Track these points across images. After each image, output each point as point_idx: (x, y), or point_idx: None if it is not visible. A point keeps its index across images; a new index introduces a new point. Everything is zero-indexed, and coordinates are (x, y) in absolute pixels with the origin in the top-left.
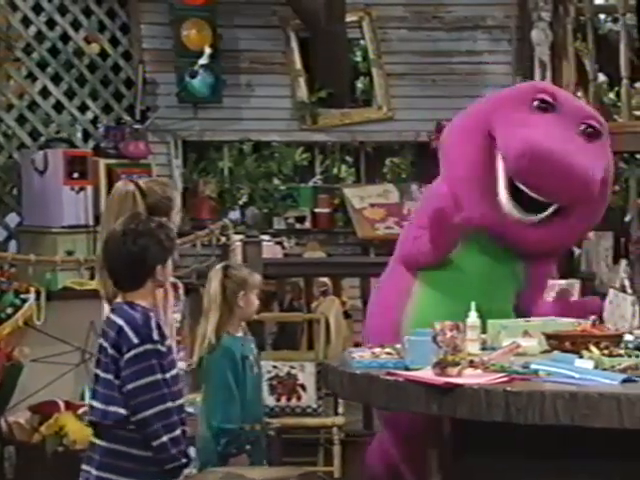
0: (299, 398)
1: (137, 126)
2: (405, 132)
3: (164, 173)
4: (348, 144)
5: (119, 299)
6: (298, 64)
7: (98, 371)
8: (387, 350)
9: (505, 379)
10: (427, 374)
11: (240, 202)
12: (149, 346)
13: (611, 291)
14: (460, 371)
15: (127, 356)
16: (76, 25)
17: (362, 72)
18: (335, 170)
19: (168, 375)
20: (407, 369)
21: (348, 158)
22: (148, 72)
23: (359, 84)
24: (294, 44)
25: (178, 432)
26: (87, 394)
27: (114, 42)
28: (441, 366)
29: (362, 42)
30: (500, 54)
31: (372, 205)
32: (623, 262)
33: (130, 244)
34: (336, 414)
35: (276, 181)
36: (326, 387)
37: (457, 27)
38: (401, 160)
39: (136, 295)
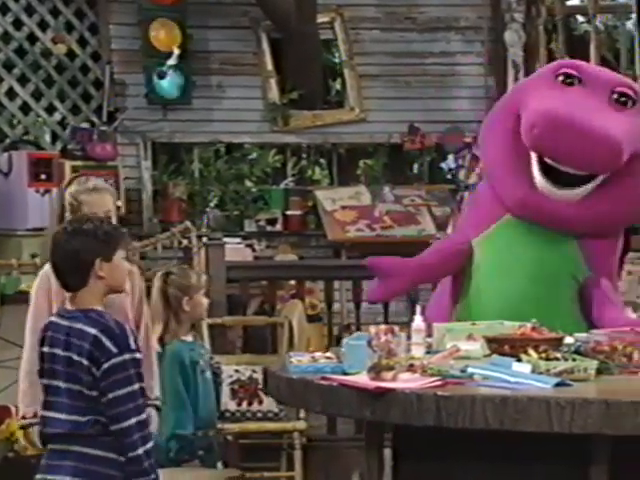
0: (260, 402)
1: (104, 128)
2: (378, 134)
3: (133, 175)
4: (321, 146)
5: (68, 305)
6: (269, 65)
7: (54, 382)
8: (327, 354)
9: (439, 383)
10: (362, 379)
11: (211, 204)
12: (127, 355)
13: None
14: (395, 375)
15: (106, 366)
16: (43, 25)
17: (340, 73)
18: (309, 172)
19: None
20: (345, 373)
21: (322, 160)
22: (117, 73)
23: (337, 85)
24: (265, 45)
25: (150, 445)
26: None
27: (82, 42)
28: (376, 370)
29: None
30: (473, 55)
31: (344, 207)
32: None
33: (66, 241)
34: (298, 419)
35: (248, 183)
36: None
37: (430, 28)
38: (375, 162)
39: (84, 297)
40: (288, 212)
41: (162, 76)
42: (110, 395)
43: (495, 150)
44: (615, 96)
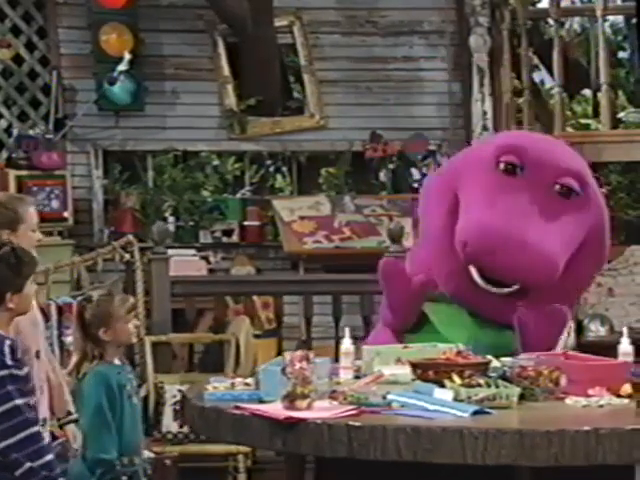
0: None
1: (49, 136)
2: (339, 141)
3: (84, 185)
4: (280, 154)
5: None
6: (226, 70)
7: None
8: (246, 381)
9: (353, 412)
10: (277, 407)
11: (166, 214)
12: (3, 372)
13: None
14: (310, 404)
15: None
16: None
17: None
18: (270, 181)
19: (32, 400)
20: (261, 401)
21: (285, 168)
22: (66, 78)
23: (296, 91)
24: (221, 49)
25: (49, 457)
26: None
27: (30, 47)
28: (289, 399)
29: None
30: (437, 60)
31: (302, 218)
32: None
33: None
34: None
35: (205, 193)
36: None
37: (392, 32)
38: (337, 170)
39: None
40: (245, 223)
41: (112, 82)
42: None
43: (431, 232)
44: (558, 188)
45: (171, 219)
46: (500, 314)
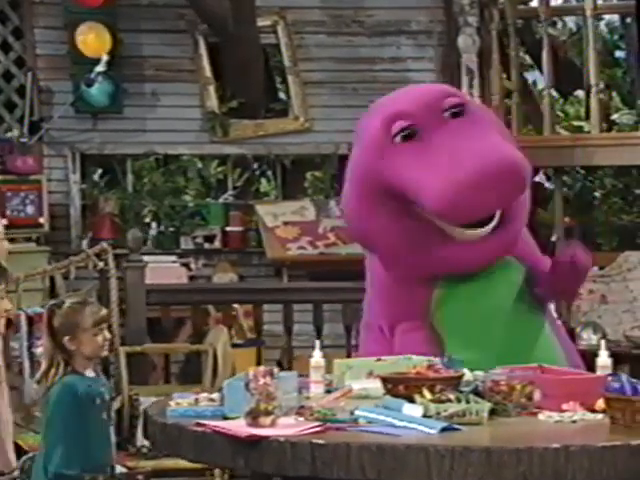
0: None
1: (24, 139)
2: (324, 144)
3: (61, 189)
4: (264, 157)
5: None
6: (208, 71)
7: None
8: (211, 396)
9: (318, 429)
10: (240, 424)
11: (146, 220)
12: None
13: None
14: (274, 420)
15: None
16: None
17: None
18: (255, 185)
19: None
20: (225, 418)
21: (270, 173)
22: (42, 80)
23: (281, 92)
24: (203, 50)
25: None
26: None
27: (5, 48)
28: (252, 416)
29: None
30: (425, 61)
31: (286, 223)
32: None
33: None
34: None
35: (187, 197)
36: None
37: (379, 32)
38: (323, 174)
39: None
40: (228, 228)
41: (90, 84)
42: None
43: (377, 230)
44: (448, 113)
45: (153, 225)
46: (479, 261)
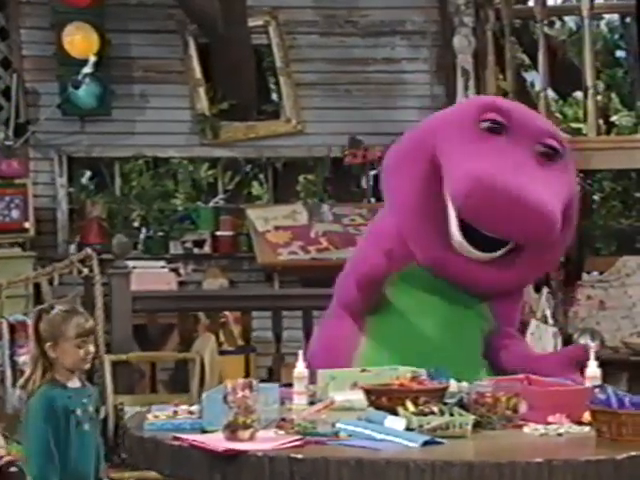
0: None
1: (9, 142)
2: (317, 147)
3: (47, 193)
4: (256, 160)
5: None
6: (198, 73)
7: None
8: (190, 408)
9: (297, 443)
10: (218, 438)
11: (134, 224)
12: None
13: (532, 322)
14: (252, 434)
15: None
16: None
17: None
18: (246, 189)
19: None
20: (204, 431)
21: (262, 176)
22: (28, 81)
23: (273, 94)
24: (193, 51)
25: None
26: None
27: None
28: (230, 429)
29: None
30: (420, 62)
31: (277, 228)
32: (545, 291)
33: None
34: None
35: (176, 201)
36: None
37: (373, 33)
38: (315, 177)
39: None
40: (218, 233)
41: (77, 85)
42: None
43: (404, 197)
44: (541, 148)
45: (142, 229)
46: (476, 281)
